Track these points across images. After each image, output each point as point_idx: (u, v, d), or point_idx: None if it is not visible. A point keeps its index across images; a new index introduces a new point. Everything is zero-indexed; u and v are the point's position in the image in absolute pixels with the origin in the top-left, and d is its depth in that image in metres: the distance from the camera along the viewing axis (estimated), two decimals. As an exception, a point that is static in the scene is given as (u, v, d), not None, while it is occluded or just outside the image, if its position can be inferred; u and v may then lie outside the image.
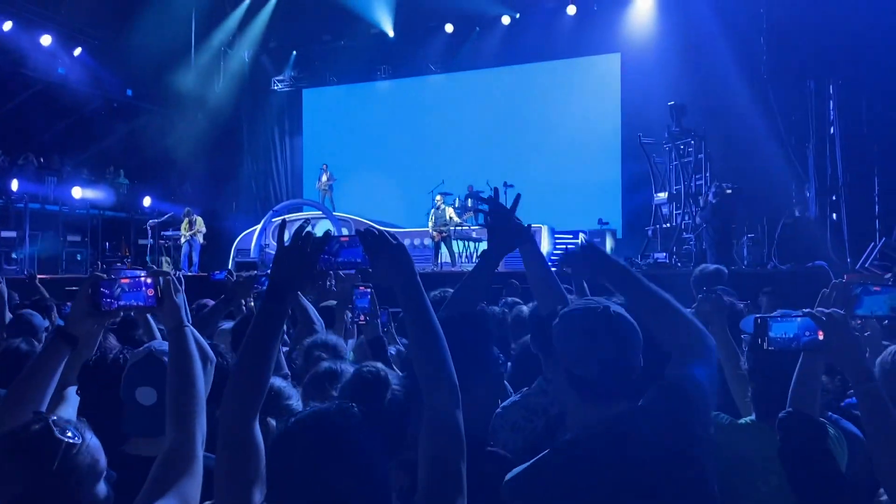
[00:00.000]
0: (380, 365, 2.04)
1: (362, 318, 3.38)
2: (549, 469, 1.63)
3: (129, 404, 1.98)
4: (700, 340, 1.85)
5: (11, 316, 3.93)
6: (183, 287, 1.94)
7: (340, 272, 3.82)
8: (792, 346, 1.91)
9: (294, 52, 20.10)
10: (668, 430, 1.64)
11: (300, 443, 1.43)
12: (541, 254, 2.42)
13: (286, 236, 1.69)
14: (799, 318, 1.90)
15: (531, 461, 1.66)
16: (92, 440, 1.50)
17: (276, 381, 2.30)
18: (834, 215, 11.48)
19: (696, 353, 1.81)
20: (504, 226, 2.24)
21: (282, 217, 16.48)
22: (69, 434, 1.45)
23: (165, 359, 1.98)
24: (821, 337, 1.86)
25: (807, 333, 1.89)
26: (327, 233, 1.70)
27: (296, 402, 2.34)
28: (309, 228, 1.70)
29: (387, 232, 1.67)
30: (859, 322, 2.62)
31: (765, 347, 1.93)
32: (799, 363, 1.95)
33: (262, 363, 1.58)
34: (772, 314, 1.99)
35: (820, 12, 10.93)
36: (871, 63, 11.08)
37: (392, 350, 3.31)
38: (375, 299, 3.41)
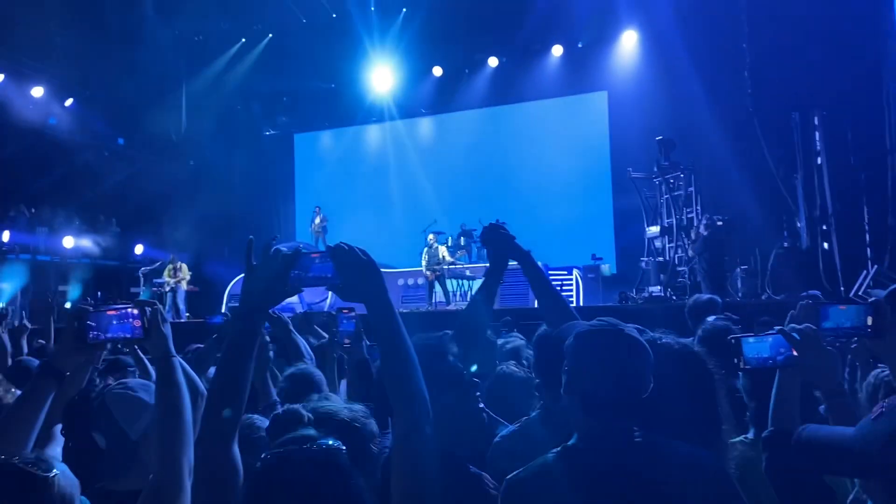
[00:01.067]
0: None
1: (346, 341, 3.37)
2: (553, 473, 1.66)
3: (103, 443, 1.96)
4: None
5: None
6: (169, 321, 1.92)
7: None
8: (768, 363, 1.93)
9: (284, 98, 20.29)
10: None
11: (286, 482, 1.38)
12: (536, 266, 2.57)
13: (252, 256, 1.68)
14: (771, 337, 1.92)
15: (534, 463, 1.71)
16: (65, 473, 1.47)
17: (256, 419, 2.27)
18: (825, 245, 11.53)
19: None
20: (495, 237, 2.52)
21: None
22: (41, 468, 1.43)
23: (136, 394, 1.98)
24: (794, 353, 1.87)
25: (781, 351, 1.91)
26: (297, 249, 1.68)
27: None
28: (277, 246, 1.69)
29: (357, 248, 1.66)
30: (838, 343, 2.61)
31: (741, 367, 1.95)
32: (776, 380, 1.95)
33: (237, 383, 1.56)
34: (744, 334, 2.00)
35: (802, 45, 11.12)
36: (854, 93, 11.25)
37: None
38: (360, 324, 3.40)
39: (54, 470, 1.47)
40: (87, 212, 18.12)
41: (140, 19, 17.04)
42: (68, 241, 16.72)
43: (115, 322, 1.86)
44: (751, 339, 1.95)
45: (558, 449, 1.72)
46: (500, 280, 2.51)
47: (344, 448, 1.46)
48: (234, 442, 1.54)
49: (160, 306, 1.91)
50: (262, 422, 2.29)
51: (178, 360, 1.85)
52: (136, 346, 2.22)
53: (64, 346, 1.87)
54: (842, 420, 1.82)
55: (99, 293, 17.52)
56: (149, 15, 17.02)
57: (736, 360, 1.95)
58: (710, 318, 3.60)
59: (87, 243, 17.13)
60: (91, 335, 1.85)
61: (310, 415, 1.87)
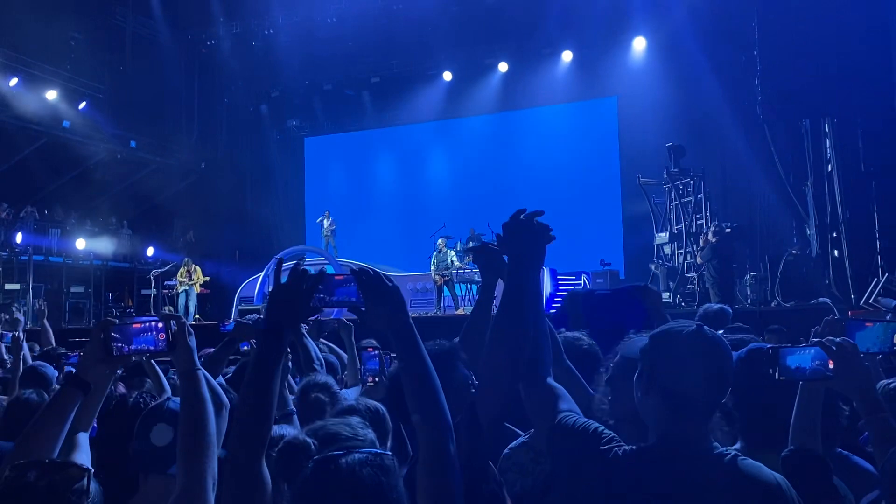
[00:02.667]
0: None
1: (371, 379, 3.36)
2: (626, 470, 1.66)
3: (142, 443, 2.01)
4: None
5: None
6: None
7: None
8: (803, 375, 1.92)
9: (295, 101, 20.39)
10: None
11: (337, 485, 1.41)
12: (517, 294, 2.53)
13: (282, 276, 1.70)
14: (811, 349, 1.91)
15: (607, 454, 1.69)
16: (93, 486, 1.49)
17: (286, 430, 2.29)
18: (836, 252, 11.48)
19: None
20: (487, 259, 2.44)
21: (278, 257, 16.52)
22: (80, 481, 1.46)
23: (174, 406, 2.03)
24: (831, 366, 1.86)
25: (817, 363, 1.89)
26: (322, 271, 1.71)
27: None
28: (304, 266, 1.71)
29: (382, 273, 1.67)
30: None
31: (776, 377, 1.93)
32: (798, 395, 1.95)
33: (264, 400, 1.59)
34: (782, 345, 2.00)
35: (812, 52, 11.09)
36: (865, 100, 11.20)
37: None
38: (384, 361, 3.40)
39: (84, 479, 1.48)
40: (100, 214, 18.26)
41: (153, 24, 17.19)
42: (80, 243, 16.85)
43: (140, 335, 1.88)
44: (791, 350, 1.95)
45: (633, 448, 1.70)
46: (492, 297, 2.47)
47: (389, 453, 1.49)
48: (262, 457, 1.57)
49: (185, 320, 1.94)
50: (283, 430, 2.33)
51: (203, 373, 1.88)
52: (152, 360, 2.24)
53: (89, 357, 1.89)
54: (881, 436, 1.81)
55: (110, 294, 17.66)
56: (161, 20, 17.17)
57: (771, 370, 1.95)
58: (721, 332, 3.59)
59: (98, 245, 17.26)
60: (116, 346, 1.87)
61: (315, 441, 1.93)
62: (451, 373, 2.06)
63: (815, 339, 1.94)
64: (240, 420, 1.60)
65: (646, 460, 1.67)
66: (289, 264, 1.74)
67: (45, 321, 6.34)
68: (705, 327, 1.74)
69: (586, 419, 1.82)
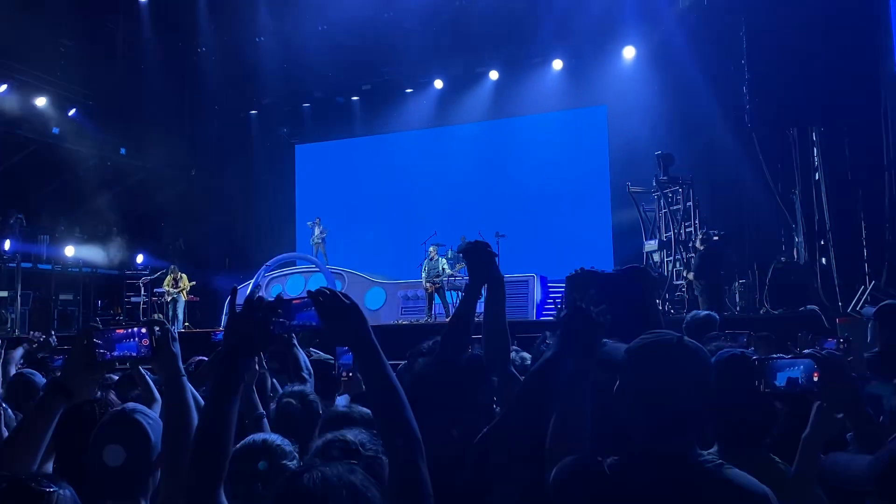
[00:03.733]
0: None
1: (345, 374, 3.36)
2: (607, 483, 1.65)
3: (94, 465, 1.89)
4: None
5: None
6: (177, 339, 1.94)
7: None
8: (790, 389, 1.91)
9: (286, 109, 20.39)
10: None
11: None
12: (502, 297, 2.55)
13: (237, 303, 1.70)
14: (796, 363, 1.90)
15: (590, 467, 1.69)
16: (67, 492, 1.49)
17: (270, 437, 2.28)
18: (823, 260, 11.57)
19: None
20: (475, 255, 2.45)
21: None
22: (43, 485, 1.46)
23: (138, 417, 1.97)
24: (815, 379, 1.86)
25: (802, 377, 1.89)
26: (279, 296, 1.69)
27: (292, 460, 2.32)
28: (260, 294, 1.70)
29: (340, 293, 1.66)
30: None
31: (762, 390, 1.93)
32: (812, 418, 1.93)
33: (222, 429, 1.56)
34: (770, 356, 2.00)
35: (800, 61, 11.19)
36: (852, 109, 11.30)
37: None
38: None
39: (54, 487, 1.48)
40: (89, 221, 18.18)
41: (143, 31, 17.17)
42: (69, 250, 16.77)
43: (123, 341, 1.87)
44: (777, 365, 1.93)
45: (616, 459, 1.69)
46: (477, 297, 2.46)
47: (355, 462, 1.48)
48: (220, 485, 1.54)
49: (170, 326, 1.93)
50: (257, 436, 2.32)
51: (186, 380, 1.87)
52: (140, 366, 2.22)
53: (72, 364, 1.88)
54: (872, 448, 1.83)
55: (99, 302, 17.57)
56: (151, 27, 17.16)
57: (757, 383, 1.95)
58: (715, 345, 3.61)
59: (88, 252, 17.18)
60: (99, 353, 1.86)
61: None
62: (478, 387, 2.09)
63: (807, 352, 1.94)
64: (196, 448, 1.57)
65: (632, 475, 1.66)
66: (243, 286, 1.72)
67: None
68: (685, 338, 1.74)
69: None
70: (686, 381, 1.68)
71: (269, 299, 1.68)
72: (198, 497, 1.52)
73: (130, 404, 2.09)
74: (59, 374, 1.97)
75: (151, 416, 2.04)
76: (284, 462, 2.28)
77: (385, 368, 1.62)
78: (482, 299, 2.53)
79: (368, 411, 2.63)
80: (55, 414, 1.83)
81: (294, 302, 1.70)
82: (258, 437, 2.23)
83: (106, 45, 17.05)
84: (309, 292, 1.68)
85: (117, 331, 1.88)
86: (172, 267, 15.54)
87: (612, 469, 1.67)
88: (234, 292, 1.72)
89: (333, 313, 1.64)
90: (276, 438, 2.27)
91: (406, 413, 1.60)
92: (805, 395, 1.94)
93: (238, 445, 2.14)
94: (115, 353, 1.88)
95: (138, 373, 2.55)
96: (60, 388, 1.85)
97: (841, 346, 4.19)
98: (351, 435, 2.00)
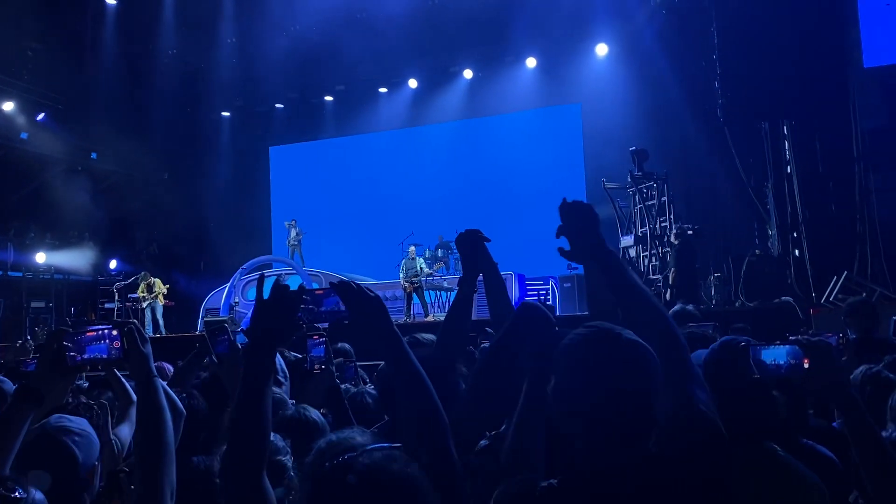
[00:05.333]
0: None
1: (317, 366, 3.34)
2: None
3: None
4: (678, 346, 1.68)
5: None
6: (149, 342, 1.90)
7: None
8: (777, 373, 1.91)
9: (259, 110, 20.25)
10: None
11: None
12: (500, 280, 2.47)
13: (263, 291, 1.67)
14: (784, 347, 1.90)
15: (525, 491, 1.48)
16: (37, 496, 1.47)
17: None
18: (796, 251, 11.72)
19: (688, 366, 1.65)
20: (469, 243, 2.41)
21: (260, 272, 16.41)
22: (16, 492, 1.43)
23: (63, 438, 1.94)
24: (806, 365, 1.87)
25: (791, 361, 1.89)
26: (302, 285, 1.69)
27: (286, 456, 2.30)
28: (286, 281, 1.69)
29: (364, 285, 1.68)
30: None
31: (753, 373, 1.92)
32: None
33: (257, 417, 1.55)
34: (757, 342, 1.99)
35: (771, 57, 11.34)
36: (821, 102, 11.49)
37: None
38: (330, 348, 3.38)
39: (22, 492, 1.45)
40: (60, 227, 17.91)
41: (112, 34, 16.95)
42: (40, 257, 16.52)
43: (93, 343, 1.83)
44: (764, 347, 1.93)
45: (553, 481, 1.47)
46: (473, 289, 2.41)
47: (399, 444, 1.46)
48: (263, 472, 1.53)
49: (139, 326, 1.89)
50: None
51: (158, 381, 1.84)
52: (114, 368, 2.18)
53: (43, 368, 1.83)
54: (859, 434, 1.82)
55: (73, 309, 17.32)
56: (122, 30, 16.94)
57: (742, 367, 1.92)
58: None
59: (60, 259, 16.93)
60: (70, 356, 1.81)
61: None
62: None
63: (792, 338, 1.94)
64: (235, 439, 1.56)
65: (567, 499, 1.45)
66: (255, 275, 1.70)
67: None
68: (625, 332, 1.52)
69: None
70: (629, 381, 1.45)
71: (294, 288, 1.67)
72: (244, 485, 1.51)
73: (55, 419, 2.02)
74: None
75: (78, 431, 2.00)
76: (279, 458, 2.26)
77: (410, 356, 1.65)
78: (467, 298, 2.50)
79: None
80: (26, 419, 1.78)
81: (316, 292, 1.71)
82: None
83: (74, 49, 16.79)
84: (331, 283, 1.69)
85: (87, 333, 1.83)
86: (143, 273, 15.29)
87: (546, 493, 1.45)
88: (261, 280, 1.69)
89: (358, 304, 1.66)
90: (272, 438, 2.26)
91: (433, 400, 1.61)
92: (791, 380, 1.93)
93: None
94: (86, 356, 1.84)
95: (112, 375, 2.50)
96: (30, 393, 1.80)
97: (841, 342, 4.27)
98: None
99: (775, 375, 1.91)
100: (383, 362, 2.03)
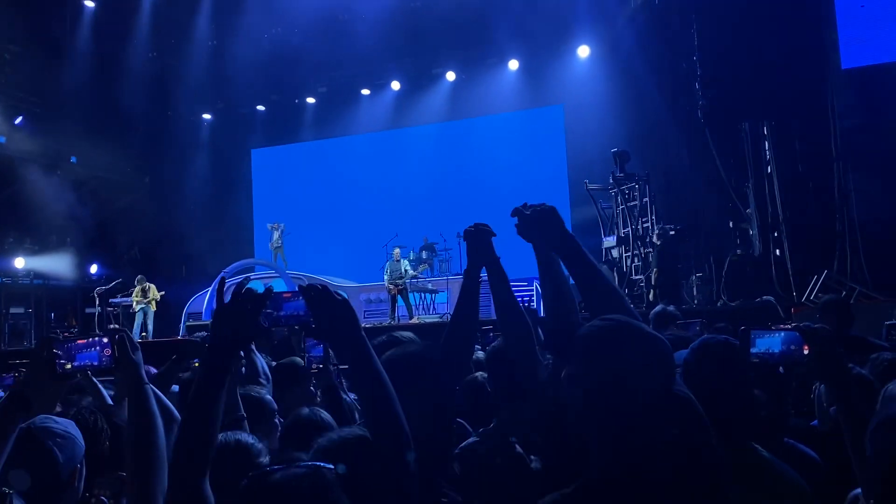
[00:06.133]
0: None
1: (314, 366, 3.35)
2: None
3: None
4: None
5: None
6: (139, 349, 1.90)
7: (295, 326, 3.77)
8: (775, 358, 1.93)
9: (241, 112, 20.15)
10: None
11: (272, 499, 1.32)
12: (504, 275, 2.46)
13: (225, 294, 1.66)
14: (783, 332, 1.92)
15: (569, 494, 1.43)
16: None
17: (246, 438, 2.25)
18: (777, 251, 11.82)
19: None
20: (478, 241, 2.39)
21: (225, 271, 16.32)
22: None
23: (43, 438, 1.94)
24: (805, 351, 1.88)
25: (791, 347, 1.90)
26: (269, 288, 1.68)
27: (265, 457, 2.28)
28: (248, 285, 1.68)
29: (330, 286, 1.66)
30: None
31: (749, 360, 1.95)
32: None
33: (208, 421, 1.56)
34: (755, 327, 2.00)
35: (750, 57, 11.46)
36: (801, 103, 11.63)
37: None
38: (328, 349, 3.39)
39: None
40: (39, 231, 17.71)
41: (91, 36, 16.79)
42: (19, 262, 16.32)
43: (84, 351, 1.82)
44: (761, 332, 1.94)
45: (572, 490, 1.43)
46: (478, 283, 2.37)
47: (331, 467, 1.45)
48: (206, 476, 1.53)
49: (129, 333, 1.88)
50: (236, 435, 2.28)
51: (150, 388, 1.84)
52: (89, 373, 2.16)
53: (33, 376, 1.81)
54: (852, 423, 1.85)
55: (52, 314, 17.13)
56: (101, 32, 16.79)
57: (743, 353, 1.93)
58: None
59: (40, 264, 16.75)
60: (59, 364, 1.80)
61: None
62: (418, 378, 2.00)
63: (794, 324, 1.96)
64: (182, 439, 1.56)
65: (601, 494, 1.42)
66: (233, 280, 1.70)
67: None
68: (638, 323, 1.55)
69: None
70: (650, 373, 1.44)
71: (258, 291, 1.66)
72: (183, 490, 1.51)
73: (40, 419, 2.01)
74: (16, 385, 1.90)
75: (60, 433, 2.00)
76: (259, 460, 2.25)
77: (374, 362, 1.62)
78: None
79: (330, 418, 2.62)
80: (14, 428, 1.76)
81: (284, 295, 1.69)
82: (230, 436, 2.20)
83: (52, 52, 16.61)
84: (300, 286, 1.67)
85: (78, 341, 1.83)
86: (140, 277, 15.18)
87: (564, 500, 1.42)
88: (221, 283, 1.67)
89: (323, 307, 1.63)
90: (248, 438, 2.24)
91: (394, 407, 1.59)
92: (790, 365, 1.95)
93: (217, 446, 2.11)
94: (76, 364, 1.83)
95: (87, 378, 2.47)
96: (20, 400, 1.77)
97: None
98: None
99: (772, 361, 1.92)
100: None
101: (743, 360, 1.98)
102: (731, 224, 12.25)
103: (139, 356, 1.87)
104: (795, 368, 1.95)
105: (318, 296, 1.64)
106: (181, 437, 1.57)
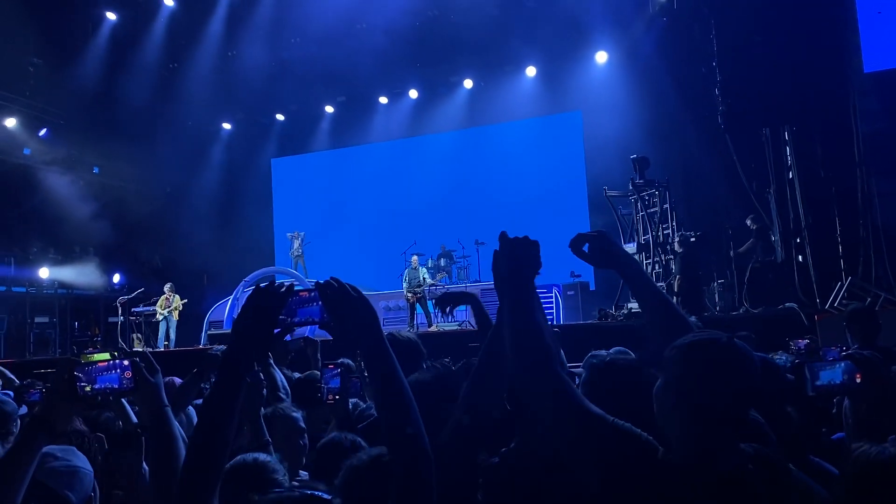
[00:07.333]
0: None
1: (330, 397, 3.31)
2: (659, 481, 1.58)
3: None
4: None
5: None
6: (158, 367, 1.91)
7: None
8: (833, 390, 1.97)
9: (261, 122, 20.30)
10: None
11: None
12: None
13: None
14: (840, 363, 1.95)
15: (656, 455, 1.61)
16: None
17: (264, 456, 2.26)
18: (800, 257, 11.69)
19: None
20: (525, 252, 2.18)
21: (246, 280, 16.44)
22: None
23: (56, 487, 1.92)
24: (858, 380, 1.90)
25: (846, 377, 1.94)
26: (291, 285, 1.63)
27: (282, 476, 2.29)
28: (265, 284, 1.63)
29: (348, 284, 1.60)
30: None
31: (809, 393, 1.97)
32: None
33: (219, 437, 1.51)
34: (811, 360, 2.03)
35: (770, 62, 11.36)
36: (822, 107, 11.50)
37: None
38: (347, 378, 3.35)
39: None
40: (63, 241, 17.96)
41: (113, 49, 17.01)
42: (44, 272, 16.55)
43: (105, 374, 1.84)
44: (820, 366, 1.97)
45: (668, 457, 1.61)
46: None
47: (328, 497, 1.44)
48: (215, 493, 1.50)
49: (149, 356, 1.90)
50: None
51: (169, 411, 1.84)
52: (122, 398, 2.17)
53: (54, 399, 1.83)
54: None
55: (76, 323, 17.34)
56: (121, 43, 17.00)
57: (802, 386, 1.97)
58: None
59: (64, 273, 16.97)
60: (81, 387, 1.82)
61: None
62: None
63: (845, 353, 2.00)
64: (192, 456, 1.54)
65: (677, 475, 1.59)
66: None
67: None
68: (737, 339, 1.70)
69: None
70: (735, 385, 1.63)
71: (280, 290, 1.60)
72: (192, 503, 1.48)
73: (43, 460, 1.98)
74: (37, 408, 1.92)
75: (65, 471, 1.98)
76: (275, 477, 2.26)
77: (393, 367, 1.55)
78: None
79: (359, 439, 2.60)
80: (37, 451, 1.77)
81: (300, 294, 1.64)
82: (248, 456, 2.21)
83: (75, 64, 16.85)
84: (317, 283, 1.61)
85: (99, 364, 1.84)
86: (169, 286, 15.34)
87: (665, 464, 1.59)
88: (256, 289, 1.63)
89: (340, 306, 1.58)
90: (266, 457, 2.25)
91: (412, 418, 1.52)
92: (846, 393, 1.99)
93: (228, 465, 2.11)
94: (97, 387, 1.84)
95: (119, 405, 2.48)
96: (42, 424, 1.79)
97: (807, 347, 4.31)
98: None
99: (832, 394, 1.95)
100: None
101: (784, 385, 2.03)
102: (748, 222, 12.03)
103: (159, 378, 1.88)
104: (849, 395, 1.97)
105: (333, 294, 1.58)
106: (191, 451, 1.54)
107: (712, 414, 1.62)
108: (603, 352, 2.36)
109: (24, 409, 4.07)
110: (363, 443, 2.64)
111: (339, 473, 1.92)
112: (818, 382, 1.97)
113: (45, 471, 1.94)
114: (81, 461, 2.05)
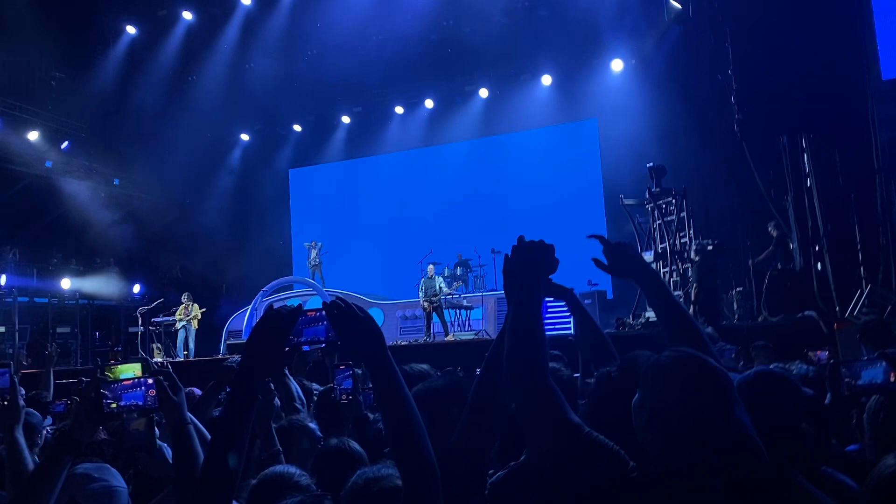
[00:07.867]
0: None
1: (344, 396, 3.36)
2: (639, 493, 1.58)
3: None
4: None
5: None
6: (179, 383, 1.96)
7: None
8: (871, 389, 2.00)
9: (279, 133, 20.47)
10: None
11: None
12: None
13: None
14: (878, 362, 2.00)
15: (628, 472, 1.61)
16: None
17: (287, 467, 2.29)
18: (819, 265, 11.59)
19: None
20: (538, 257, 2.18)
21: (265, 290, 16.54)
22: None
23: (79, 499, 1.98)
24: (892, 379, 1.92)
25: (883, 376, 1.97)
26: (299, 306, 1.67)
27: (307, 481, 2.32)
28: (278, 306, 1.68)
29: (355, 305, 1.62)
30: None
31: (845, 393, 2.00)
32: None
33: (233, 448, 1.53)
34: (852, 360, 2.04)
35: (787, 69, 11.30)
36: (840, 115, 11.39)
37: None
38: (358, 378, 3.39)
39: None
40: (84, 253, 18.17)
41: (132, 61, 17.25)
42: (65, 283, 16.75)
43: (129, 391, 1.90)
44: (862, 364, 2.00)
45: (644, 472, 1.61)
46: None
47: (329, 496, 1.47)
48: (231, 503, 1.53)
49: (172, 374, 1.95)
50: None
51: (192, 428, 1.89)
52: (152, 416, 2.23)
53: (80, 416, 1.88)
54: None
55: (97, 333, 17.52)
56: (141, 58, 17.24)
57: (840, 385, 2.00)
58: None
59: (85, 284, 17.17)
60: (106, 404, 1.88)
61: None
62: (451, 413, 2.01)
63: (879, 352, 2.01)
64: (206, 469, 1.57)
65: (653, 490, 1.59)
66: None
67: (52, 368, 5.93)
68: (703, 357, 1.71)
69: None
70: (702, 402, 1.63)
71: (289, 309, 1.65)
72: None
73: (80, 480, 2.06)
74: (65, 424, 1.98)
75: (102, 492, 2.03)
76: (298, 481, 2.29)
77: (399, 385, 1.57)
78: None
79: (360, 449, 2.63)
80: (64, 468, 1.83)
81: (308, 314, 1.69)
82: (276, 469, 2.25)
83: (95, 77, 17.10)
84: (324, 303, 1.64)
85: (124, 382, 1.90)
86: (187, 294, 15.50)
87: (640, 480, 1.59)
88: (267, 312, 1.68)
89: (346, 325, 1.60)
90: (293, 470, 2.28)
91: (417, 435, 1.54)
92: (887, 392, 2.00)
93: (256, 479, 2.18)
94: (122, 404, 1.91)
95: (150, 423, 2.53)
96: (69, 441, 1.85)
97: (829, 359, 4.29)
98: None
99: (870, 392, 1.96)
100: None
101: (798, 393, 2.03)
102: (770, 228, 11.95)
103: (181, 396, 1.93)
104: (888, 393, 1.99)
105: (340, 314, 1.61)
106: (207, 462, 1.57)
107: (682, 431, 1.62)
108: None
109: (48, 421, 4.15)
110: (358, 446, 2.67)
111: (341, 481, 1.95)
112: (859, 382, 1.98)
113: (86, 493, 1.99)
114: (117, 479, 2.11)
